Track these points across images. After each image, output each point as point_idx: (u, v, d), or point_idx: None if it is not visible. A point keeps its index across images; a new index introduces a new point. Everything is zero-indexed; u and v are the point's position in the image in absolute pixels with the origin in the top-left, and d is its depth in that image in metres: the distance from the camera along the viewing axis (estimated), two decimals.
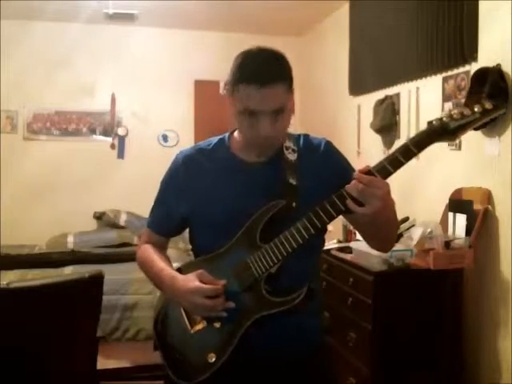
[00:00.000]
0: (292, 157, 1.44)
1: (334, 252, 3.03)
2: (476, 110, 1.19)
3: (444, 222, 2.76)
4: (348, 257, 2.86)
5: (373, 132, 3.60)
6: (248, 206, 1.38)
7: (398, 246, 2.74)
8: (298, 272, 1.39)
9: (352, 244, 2.88)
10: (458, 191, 2.76)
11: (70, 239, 4.30)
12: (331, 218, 1.30)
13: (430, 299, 2.60)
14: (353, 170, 1.48)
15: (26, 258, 3.78)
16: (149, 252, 1.55)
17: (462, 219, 2.64)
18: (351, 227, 3.21)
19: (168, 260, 1.54)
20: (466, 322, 2.70)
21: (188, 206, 1.47)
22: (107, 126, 5.00)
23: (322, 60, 4.74)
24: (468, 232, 2.59)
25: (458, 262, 2.54)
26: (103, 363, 2.75)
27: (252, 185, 1.42)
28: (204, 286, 1.34)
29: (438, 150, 2.97)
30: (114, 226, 4.60)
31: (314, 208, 1.30)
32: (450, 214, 2.73)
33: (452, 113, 1.21)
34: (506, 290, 2.50)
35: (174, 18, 4.67)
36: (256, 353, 1.38)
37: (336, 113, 4.40)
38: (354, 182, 1.24)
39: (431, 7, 2.94)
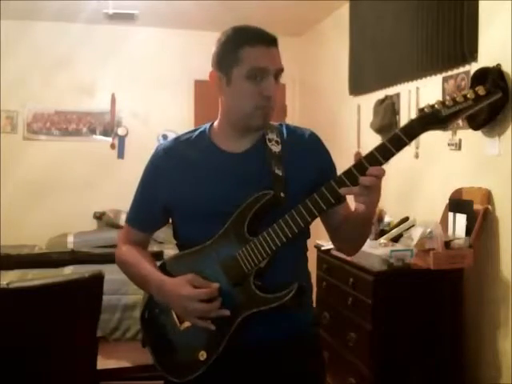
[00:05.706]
0: (276, 148, 1.40)
1: (333, 252, 3.02)
2: (469, 96, 1.15)
3: (444, 221, 2.76)
4: (348, 257, 2.86)
5: (373, 132, 3.60)
6: (233, 197, 1.34)
7: (398, 246, 2.74)
8: (287, 266, 1.36)
9: None
10: (458, 191, 2.76)
11: (70, 239, 4.30)
12: (321, 211, 1.26)
13: (429, 299, 2.60)
14: (335, 169, 1.48)
15: (25, 257, 3.77)
16: (132, 254, 1.49)
17: (461, 219, 2.64)
18: None
19: (152, 259, 1.49)
20: (466, 322, 2.70)
21: (171, 197, 1.43)
22: (107, 126, 5.00)
23: (322, 60, 4.74)
24: (468, 232, 2.59)
25: (458, 262, 2.54)
26: (103, 363, 2.75)
27: (235, 175, 1.39)
28: (197, 290, 1.31)
29: (438, 149, 2.99)
30: (114, 226, 4.58)
31: (304, 200, 1.27)
32: (450, 214, 2.73)
33: (444, 99, 1.17)
34: (506, 289, 2.50)
35: (174, 18, 4.67)
36: (244, 346, 1.36)
37: (336, 113, 4.40)
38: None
39: (431, 7, 2.94)
